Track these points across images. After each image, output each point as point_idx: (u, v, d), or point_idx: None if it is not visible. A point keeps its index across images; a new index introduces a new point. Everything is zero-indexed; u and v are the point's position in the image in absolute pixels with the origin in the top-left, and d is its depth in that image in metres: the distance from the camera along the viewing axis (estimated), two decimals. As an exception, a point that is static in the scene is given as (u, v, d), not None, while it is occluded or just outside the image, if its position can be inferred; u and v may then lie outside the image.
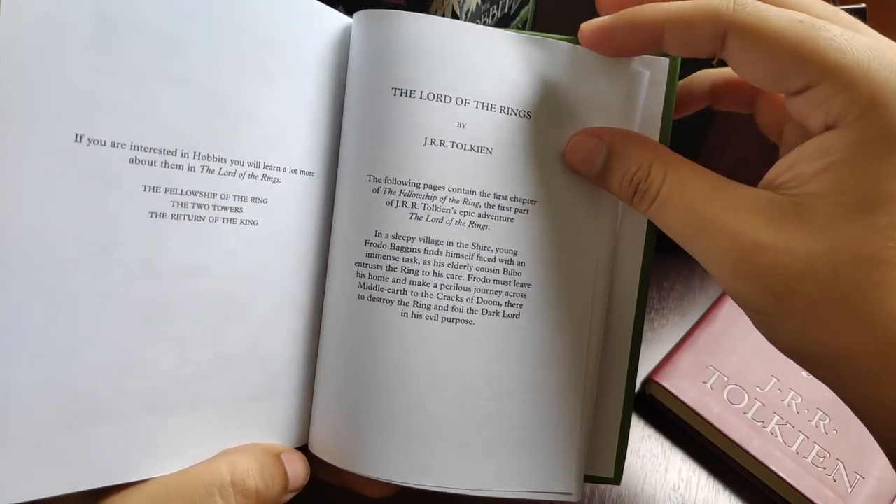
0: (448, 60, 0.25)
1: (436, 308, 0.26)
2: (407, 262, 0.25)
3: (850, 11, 0.35)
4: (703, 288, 0.47)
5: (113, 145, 0.21)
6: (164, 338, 0.23)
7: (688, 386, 0.40)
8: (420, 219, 0.25)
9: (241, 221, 0.25)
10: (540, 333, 0.26)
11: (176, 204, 0.23)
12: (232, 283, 0.25)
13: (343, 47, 0.27)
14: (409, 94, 0.25)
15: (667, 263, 0.47)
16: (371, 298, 0.26)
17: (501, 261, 0.26)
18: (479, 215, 0.26)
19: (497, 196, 0.26)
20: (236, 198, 0.24)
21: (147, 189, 0.22)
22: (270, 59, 0.25)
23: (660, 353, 0.42)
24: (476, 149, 0.26)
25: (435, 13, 0.36)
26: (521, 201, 0.26)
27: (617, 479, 0.28)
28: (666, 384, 0.40)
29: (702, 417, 0.39)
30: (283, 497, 0.26)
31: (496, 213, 0.26)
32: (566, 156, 0.26)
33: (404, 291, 0.25)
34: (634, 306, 0.28)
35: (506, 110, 0.26)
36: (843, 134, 0.21)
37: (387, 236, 0.25)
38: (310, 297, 0.27)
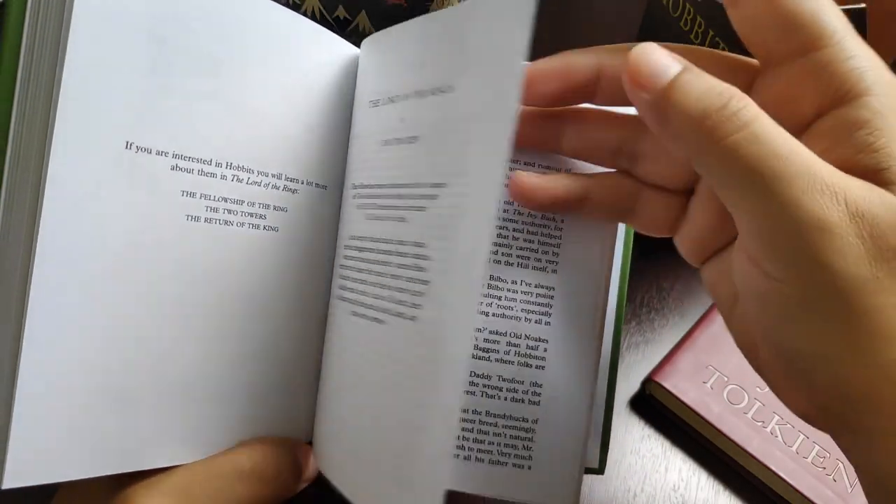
0: (395, 62, 0.27)
1: (368, 307, 0.26)
2: (358, 261, 0.27)
3: (850, 11, 0.35)
4: (703, 288, 0.47)
5: (158, 153, 0.24)
6: (194, 333, 0.25)
7: (688, 386, 0.40)
8: (370, 219, 0.27)
9: (264, 227, 0.27)
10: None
11: (209, 209, 0.25)
12: (254, 285, 0.27)
13: (354, 73, 0.30)
14: (376, 104, 0.27)
15: (667, 263, 0.47)
16: (342, 298, 0.28)
17: (413, 255, 0.24)
18: (402, 207, 0.25)
19: (417, 185, 0.24)
20: (261, 206, 0.27)
21: (185, 194, 0.25)
22: (293, 82, 0.28)
23: (660, 353, 0.43)
24: (407, 139, 0.26)
25: (435, 13, 0.36)
26: (434, 186, 0.24)
27: (601, 468, 0.30)
28: (666, 384, 0.40)
29: (702, 417, 0.39)
30: (296, 486, 0.27)
31: (414, 203, 0.24)
32: (629, 66, 0.21)
33: (353, 290, 0.27)
34: (618, 291, 0.30)
35: (434, 92, 0.25)
36: (868, 102, 0.19)
37: (352, 238, 0.27)
38: (320, 301, 0.30)
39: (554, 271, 0.27)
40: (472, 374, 0.27)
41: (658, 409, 0.42)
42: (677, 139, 0.21)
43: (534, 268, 0.27)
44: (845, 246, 0.19)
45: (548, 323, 0.27)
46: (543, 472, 0.27)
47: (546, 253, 0.27)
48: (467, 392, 0.26)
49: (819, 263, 0.19)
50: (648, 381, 0.41)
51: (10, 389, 0.22)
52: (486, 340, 0.27)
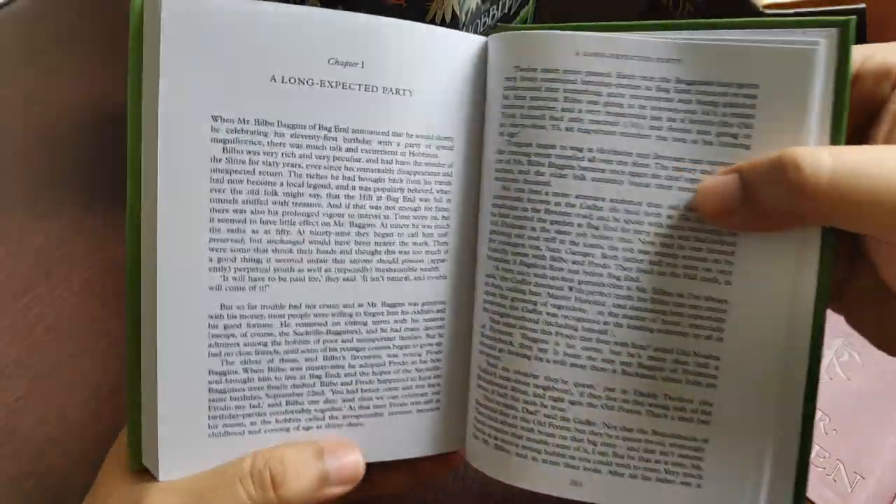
0: None
1: None
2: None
3: (849, 12, 0.36)
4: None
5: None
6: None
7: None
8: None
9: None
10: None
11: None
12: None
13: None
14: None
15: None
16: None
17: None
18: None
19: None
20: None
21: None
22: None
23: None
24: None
25: (435, 14, 0.37)
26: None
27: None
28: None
29: (702, 417, 0.39)
30: (324, 489, 0.27)
31: None
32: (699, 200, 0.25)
33: None
34: (814, 308, 0.25)
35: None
36: None
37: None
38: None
39: (728, 283, 0.25)
40: (637, 392, 0.26)
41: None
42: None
43: (702, 279, 0.26)
44: None
45: (720, 339, 0.26)
46: (713, 492, 0.26)
47: (717, 262, 0.25)
48: (630, 411, 0.26)
49: None
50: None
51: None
52: (650, 358, 0.26)
